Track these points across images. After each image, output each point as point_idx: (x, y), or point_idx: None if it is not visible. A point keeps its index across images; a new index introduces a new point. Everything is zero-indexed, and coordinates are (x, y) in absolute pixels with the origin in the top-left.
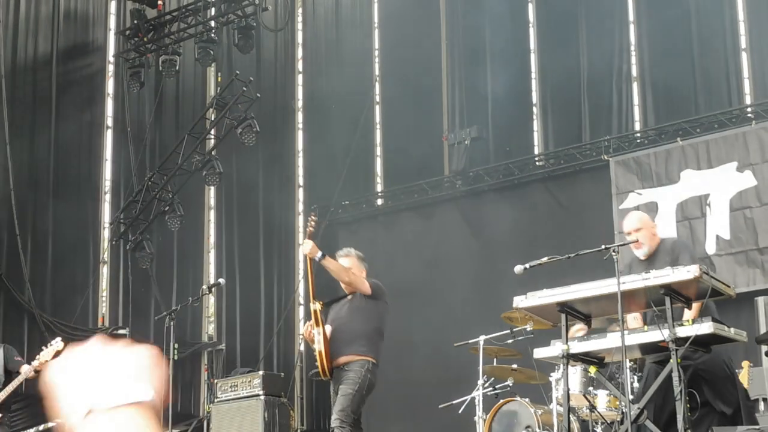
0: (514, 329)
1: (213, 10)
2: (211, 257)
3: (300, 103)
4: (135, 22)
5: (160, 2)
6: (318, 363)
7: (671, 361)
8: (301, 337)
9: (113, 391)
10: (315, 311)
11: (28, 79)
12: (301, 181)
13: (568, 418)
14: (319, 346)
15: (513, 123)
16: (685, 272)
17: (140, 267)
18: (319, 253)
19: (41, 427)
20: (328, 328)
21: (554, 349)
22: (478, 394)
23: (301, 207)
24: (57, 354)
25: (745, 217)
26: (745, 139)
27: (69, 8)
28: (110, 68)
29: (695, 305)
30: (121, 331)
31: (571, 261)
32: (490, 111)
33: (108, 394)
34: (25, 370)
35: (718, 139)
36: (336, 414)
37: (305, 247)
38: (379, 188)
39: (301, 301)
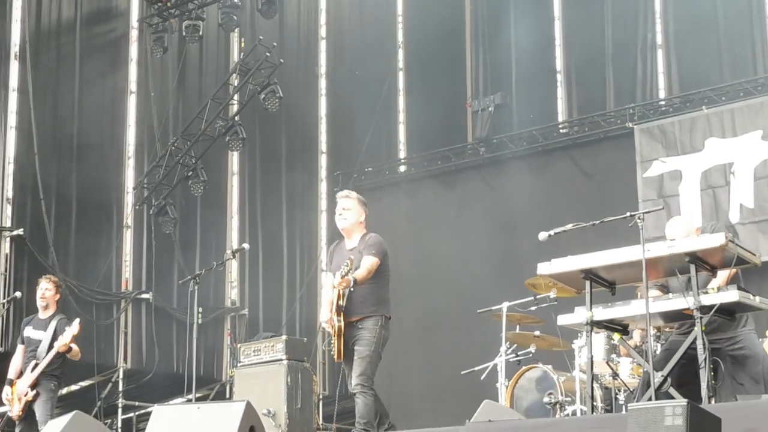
0: (538, 296)
1: None
2: (234, 222)
3: (323, 69)
4: None
5: None
6: (335, 347)
7: (695, 329)
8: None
9: None
10: (340, 327)
11: (52, 44)
12: (323, 147)
13: (592, 385)
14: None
15: (537, 90)
16: (711, 240)
17: (163, 232)
18: (352, 280)
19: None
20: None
21: (578, 316)
22: (500, 360)
23: (323, 173)
24: (74, 336)
25: None
26: None
27: None
28: (134, 33)
29: (723, 273)
30: (144, 296)
31: (594, 230)
32: (514, 78)
33: None
34: (55, 347)
35: (743, 107)
36: (356, 379)
37: (341, 286)
38: (401, 155)
39: (324, 267)
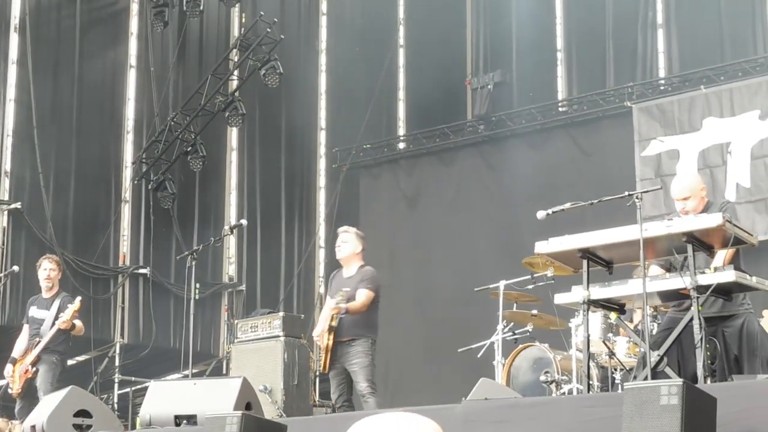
0: (535, 275)
1: None
2: (233, 198)
3: (323, 45)
4: None
5: None
6: (323, 360)
7: (692, 308)
8: (321, 279)
9: None
10: (328, 345)
11: (53, 17)
12: (323, 123)
13: (588, 364)
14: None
15: (537, 68)
16: (709, 220)
17: (162, 207)
18: (344, 309)
19: None
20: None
21: (575, 294)
22: (497, 338)
23: (323, 149)
24: (74, 313)
25: (766, 165)
26: None
27: None
28: (134, 7)
29: (726, 252)
30: (142, 271)
31: (592, 208)
32: (514, 56)
33: None
34: (57, 324)
35: (741, 87)
36: (366, 383)
37: (334, 311)
38: (401, 132)
39: (322, 243)
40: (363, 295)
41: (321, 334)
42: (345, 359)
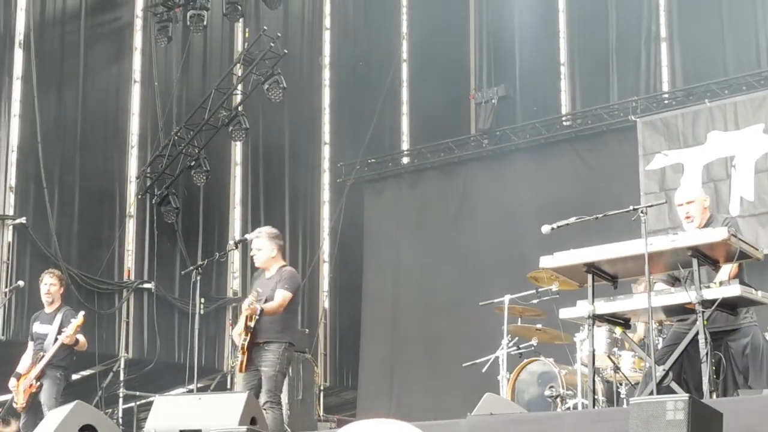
0: (540, 289)
1: None
2: (237, 213)
3: (327, 60)
4: None
5: None
6: (239, 360)
7: (697, 323)
8: (325, 294)
9: None
10: (243, 345)
11: (57, 32)
12: (327, 138)
13: (593, 378)
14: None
15: (540, 82)
16: (714, 234)
17: (166, 221)
18: (259, 309)
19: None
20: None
21: (580, 309)
22: (502, 353)
23: (326, 164)
24: (77, 328)
25: None
26: None
27: None
28: (138, 22)
29: (731, 267)
30: (146, 285)
31: (597, 222)
32: (518, 70)
33: None
34: (60, 339)
35: (745, 101)
36: (266, 395)
37: (248, 311)
38: (405, 146)
39: (326, 258)
40: (280, 296)
41: (239, 334)
42: (259, 361)
